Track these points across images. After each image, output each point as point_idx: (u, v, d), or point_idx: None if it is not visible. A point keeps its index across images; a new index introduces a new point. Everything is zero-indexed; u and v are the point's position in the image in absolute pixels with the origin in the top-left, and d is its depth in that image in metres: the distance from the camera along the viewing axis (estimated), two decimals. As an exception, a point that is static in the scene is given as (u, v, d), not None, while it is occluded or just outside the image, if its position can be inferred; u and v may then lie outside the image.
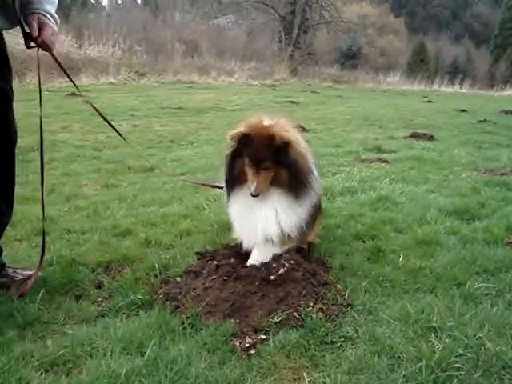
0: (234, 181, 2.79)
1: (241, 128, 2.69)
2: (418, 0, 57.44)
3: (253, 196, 2.61)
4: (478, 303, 2.61)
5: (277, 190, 2.72)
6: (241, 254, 2.97)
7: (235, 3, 35.48)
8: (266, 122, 2.67)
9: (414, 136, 8.61)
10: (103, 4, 50.04)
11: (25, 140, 7.06)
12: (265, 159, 2.60)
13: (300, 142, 2.72)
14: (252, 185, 2.61)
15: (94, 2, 48.39)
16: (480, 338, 2.26)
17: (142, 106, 12.14)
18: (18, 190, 4.57)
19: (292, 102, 14.89)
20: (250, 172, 2.65)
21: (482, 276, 2.95)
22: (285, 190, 2.71)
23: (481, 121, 11.33)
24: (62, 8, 30.48)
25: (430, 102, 18.40)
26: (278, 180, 2.69)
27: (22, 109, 10.07)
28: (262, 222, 2.75)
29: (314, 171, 2.82)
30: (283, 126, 2.69)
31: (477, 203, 4.41)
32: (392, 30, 41.72)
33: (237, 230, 3.00)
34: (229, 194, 2.85)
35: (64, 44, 19.12)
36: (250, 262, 2.81)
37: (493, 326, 2.36)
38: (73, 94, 13.35)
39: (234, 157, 2.74)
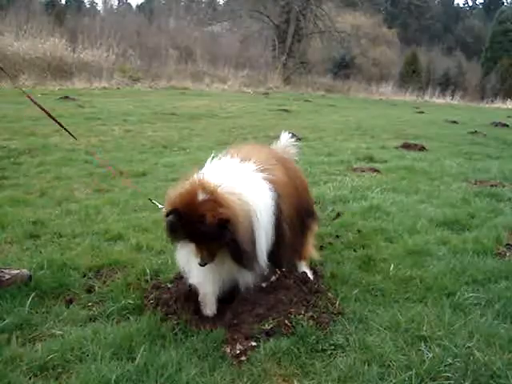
0: (178, 241, 2.47)
1: (174, 198, 2.31)
2: (411, 12, 57.96)
3: (201, 266, 2.35)
4: (468, 313, 2.63)
5: (225, 257, 2.38)
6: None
7: (230, 10, 35.64)
8: (200, 196, 2.24)
9: (406, 146, 8.68)
10: (98, 8, 50.02)
11: (16, 143, 7.05)
12: (201, 238, 2.29)
13: (239, 220, 2.24)
14: (197, 256, 2.33)
15: (88, 6, 48.43)
16: (469, 347, 2.28)
17: (134, 111, 12.12)
18: (9, 193, 4.59)
19: (285, 110, 14.94)
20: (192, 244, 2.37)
21: (471, 286, 2.98)
22: (232, 259, 2.37)
23: (471, 132, 11.44)
24: (56, 11, 30.48)
25: (421, 112, 18.54)
26: (223, 250, 2.35)
27: (14, 111, 10.05)
28: (214, 281, 2.51)
29: (260, 240, 2.40)
30: (220, 199, 2.24)
31: (467, 214, 4.45)
32: (385, 41, 42.01)
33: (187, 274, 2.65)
34: (175, 247, 2.59)
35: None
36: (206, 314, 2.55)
37: (482, 336, 2.38)
38: (66, 97, 13.32)
39: (172, 226, 2.32)
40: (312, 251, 3.15)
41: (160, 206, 3.07)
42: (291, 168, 2.99)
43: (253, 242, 2.34)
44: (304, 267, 3.03)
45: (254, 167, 2.54)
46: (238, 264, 2.37)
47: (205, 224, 2.19)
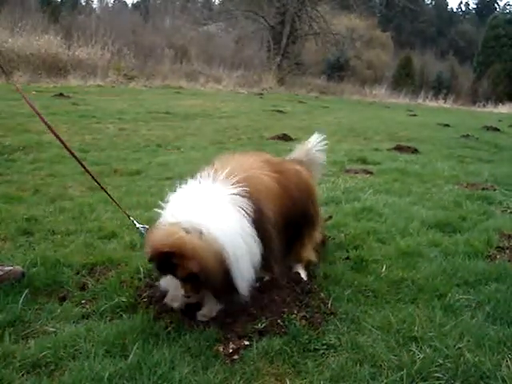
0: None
1: (150, 245, 2.34)
2: (405, 15, 58.25)
3: (186, 298, 2.46)
4: (458, 314, 2.66)
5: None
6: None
7: (225, 11, 35.62)
8: (169, 249, 2.24)
9: (398, 148, 8.72)
10: (93, 6, 49.82)
11: (10, 139, 7.02)
12: (180, 280, 2.37)
13: (208, 264, 2.24)
14: (182, 291, 2.41)
15: (83, 3, 48.22)
16: (459, 348, 2.31)
17: (129, 109, 12.09)
18: (2, 190, 4.57)
19: (279, 110, 14.96)
20: None
21: (462, 288, 3.01)
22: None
23: (463, 136, 11.51)
24: (51, 8, 30.33)
25: (414, 115, 18.63)
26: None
27: (8, 108, 10.00)
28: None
29: (241, 268, 2.38)
30: (187, 252, 2.22)
31: (458, 216, 4.49)
32: (379, 44, 42.22)
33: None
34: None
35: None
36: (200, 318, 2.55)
37: (472, 337, 2.41)
38: (60, 94, 13.26)
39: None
40: (310, 255, 3.14)
41: (138, 225, 3.13)
42: (287, 174, 2.94)
43: (229, 280, 2.33)
44: (299, 268, 3.05)
45: (227, 185, 2.49)
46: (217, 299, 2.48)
47: (177, 276, 2.32)
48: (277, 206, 2.69)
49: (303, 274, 2.99)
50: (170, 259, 2.25)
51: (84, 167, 3.24)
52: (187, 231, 2.25)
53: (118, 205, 3.25)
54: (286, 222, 2.76)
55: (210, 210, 2.36)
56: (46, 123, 3.13)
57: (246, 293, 2.45)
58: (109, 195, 3.26)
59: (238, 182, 2.51)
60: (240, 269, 2.36)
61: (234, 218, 2.39)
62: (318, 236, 3.24)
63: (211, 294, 2.45)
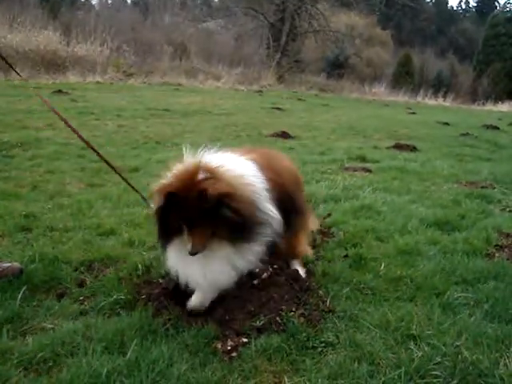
0: (168, 234, 2.41)
1: (168, 182, 2.30)
2: (405, 13, 58.21)
3: (191, 255, 2.27)
4: (457, 313, 2.66)
5: (220, 242, 2.35)
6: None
7: (225, 8, 35.57)
8: (199, 175, 2.24)
9: (398, 147, 8.72)
10: (93, 2, 49.61)
11: (8, 136, 7.00)
12: (197, 219, 2.24)
13: (240, 194, 2.26)
14: (188, 244, 2.26)
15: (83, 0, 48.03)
16: (457, 346, 2.31)
17: (128, 106, 12.08)
18: (0, 186, 4.56)
19: (278, 108, 14.95)
20: (184, 229, 2.30)
21: (460, 286, 3.01)
22: (229, 243, 2.35)
23: (463, 134, 11.51)
24: (50, 4, 30.23)
25: (413, 113, 18.63)
26: (218, 234, 2.31)
27: (6, 104, 9.98)
28: (208, 274, 2.40)
29: (264, 215, 2.43)
30: (220, 176, 2.25)
31: (457, 215, 4.49)
32: (379, 42, 42.17)
33: (176, 275, 2.53)
34: (164, 247, 2.49)
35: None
36: (193, 305, 2.53)
37: (470, 336, 2.41)
38: (59, 91, 13.24)
39: (164, 213, 2.32)
40: (305, 249, 3.16)
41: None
42: (279, 165, 2.98)
43: (254, 220, 2.33)
44: (297, 265, 3.05)
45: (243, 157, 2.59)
46: (238, 243, 2.35)
47: (205, 199, 2.15)
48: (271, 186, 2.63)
49: (301, 271, 2.98)
50: (197, 184, 2.19)
51: (112, 166, 3.19)
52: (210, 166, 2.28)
53: (141, 195, 3.14)
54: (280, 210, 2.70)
55: (239, 163, 2.47)
56: (70, 127, 3.13)
57: (272, 229, 2.48)
58: (131, 186, 3.19)
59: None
60: (264, 200, 2.42)
61: (259, 178, 2.48)
62: (308, 228, 3.25)
63: (228, 236, 2.32)
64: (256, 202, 2.37)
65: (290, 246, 3.00)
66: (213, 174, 2.24)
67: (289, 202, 2.87)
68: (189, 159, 2.37)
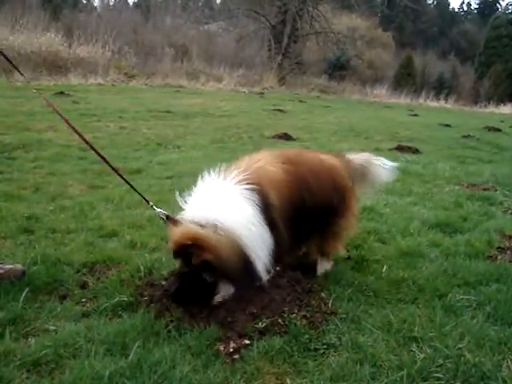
0: None
1: (172, 243, 2.53)
2: (406, 15, 58.21)
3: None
4: (459, 315, 2.66)
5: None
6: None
7: (227, 10, 35.60)
8: (187, 241, 2.43)
9: (399, 148, 8.72)
10: (94, 4, 49.68)
11: (10, 137, 7.02)
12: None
13: (223, 255, 2.42)
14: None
15: (85, 1, 48.11)
16: (460, 348, 2.31)
17: (129, 108, 12.08)
18: (3, 188, 4.57)
19: (279, 110, 14.95)
20: None
21: (462, 288, 3.01)
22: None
23: (464, 136, 11.50)
24: (52, 6, 30.31)
25: (415, 115, 18.61)
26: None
27: (8, 106, 10.00)
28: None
29: (257, 255, 2.56)
30: (203, 243, 2.40)
31: (459, 217, 4.49)
32: (380, 44, 42.17)
33: None
34: None
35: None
36: None
37: (472, 338, 2.41)
38: (61, 92, 13.25)
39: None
40: (337, 247, 3.19)
41: (157, 210, 3.06)
42: (303, 164, 2.99)
43: (245, 265, 2.49)
44: (325, 263, 3.14)
45: (237, 179, 2.64)
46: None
47: (192, 263, 2.44)
48: (284, 194, 2.73)
49: (325, 267, 3.13)
50: (187, 250, 2.43)
51: (113, 167, 3.18)
52: (203, 226, 2.43)
53: (142, 196, 3.15)
54: (298, 210, 2.78)
55: (223, 205, 2.53)
56: (72, 128, 3.13)
57: (264, 275, 2.61)
58: (132, 187, 3.19)
59: (245, 176, 2.65)
60: (256, 253, 2.53)
61: (244, 210, 2.55)
62: (348, 228, 3.24)
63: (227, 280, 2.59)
64: (243, 256, 2.48)
65: (316, 244, 3.09)
66: (199, 241, 2.40)
67: (318, 205, 2.90)
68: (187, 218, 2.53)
